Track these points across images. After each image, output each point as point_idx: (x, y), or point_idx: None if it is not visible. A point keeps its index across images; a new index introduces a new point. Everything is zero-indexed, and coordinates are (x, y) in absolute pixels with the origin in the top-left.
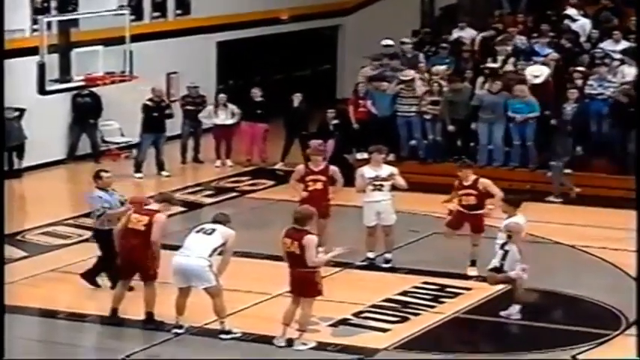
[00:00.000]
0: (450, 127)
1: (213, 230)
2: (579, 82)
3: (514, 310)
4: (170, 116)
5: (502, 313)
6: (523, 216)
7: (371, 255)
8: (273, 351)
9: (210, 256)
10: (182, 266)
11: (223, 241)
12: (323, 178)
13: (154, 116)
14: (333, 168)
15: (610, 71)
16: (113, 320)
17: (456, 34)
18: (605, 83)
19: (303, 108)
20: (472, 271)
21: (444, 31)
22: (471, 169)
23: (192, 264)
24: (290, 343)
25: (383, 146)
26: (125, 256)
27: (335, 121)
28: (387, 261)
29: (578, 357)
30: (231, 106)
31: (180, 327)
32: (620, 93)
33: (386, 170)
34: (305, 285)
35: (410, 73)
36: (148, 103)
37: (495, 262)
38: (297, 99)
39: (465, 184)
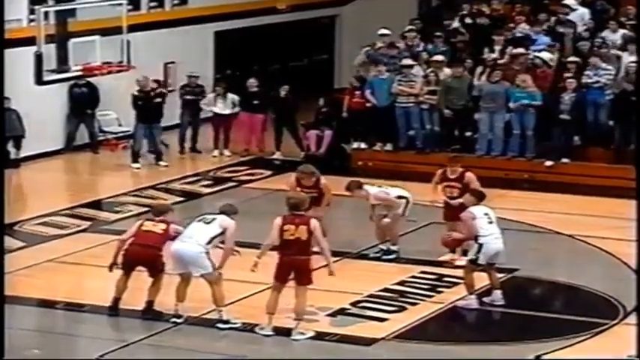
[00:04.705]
0: (447, 112)
1: (213, 219)
2: (572, 72)
3: (497, 295)
4: (159, 105)
5: (485, 300)
6: (482, 206)
7: (383, 247)
8: (270, 341)
9: (208, 243)
10: (178, 252)
11: (221, 230)
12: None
13: (143, 106)
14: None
15: (605, 60)
16: (112, 310)
17: (458, 22)
18: (600, 72)
19: (290, 99)
20: (461, 262)
21: (442, 19)
22: (460, 164)
23: (188, 249)
24: (286, 332)
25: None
26: (136, 252)
27: (324, 109)
28: (390, 252)
29: (544, 357)
30: (232, 96)
31: (180, 316)
32: (625, 81)
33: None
34: (303, 273)
35: (408, 61)
36: (136, 93)
37: (471, 255)
38: (283, 90)
39: (451, 177)
